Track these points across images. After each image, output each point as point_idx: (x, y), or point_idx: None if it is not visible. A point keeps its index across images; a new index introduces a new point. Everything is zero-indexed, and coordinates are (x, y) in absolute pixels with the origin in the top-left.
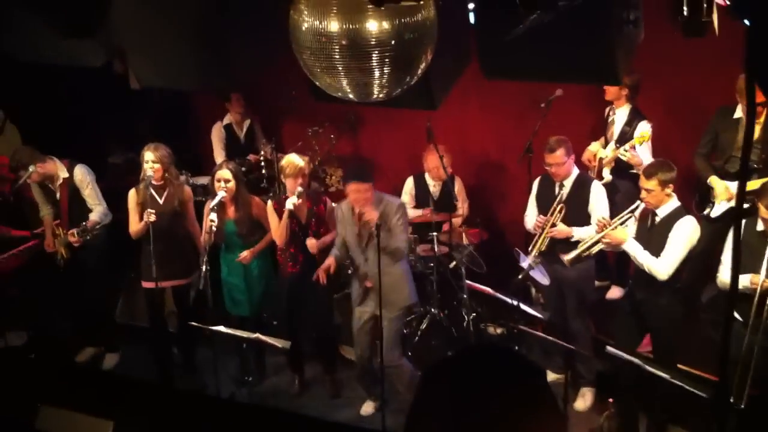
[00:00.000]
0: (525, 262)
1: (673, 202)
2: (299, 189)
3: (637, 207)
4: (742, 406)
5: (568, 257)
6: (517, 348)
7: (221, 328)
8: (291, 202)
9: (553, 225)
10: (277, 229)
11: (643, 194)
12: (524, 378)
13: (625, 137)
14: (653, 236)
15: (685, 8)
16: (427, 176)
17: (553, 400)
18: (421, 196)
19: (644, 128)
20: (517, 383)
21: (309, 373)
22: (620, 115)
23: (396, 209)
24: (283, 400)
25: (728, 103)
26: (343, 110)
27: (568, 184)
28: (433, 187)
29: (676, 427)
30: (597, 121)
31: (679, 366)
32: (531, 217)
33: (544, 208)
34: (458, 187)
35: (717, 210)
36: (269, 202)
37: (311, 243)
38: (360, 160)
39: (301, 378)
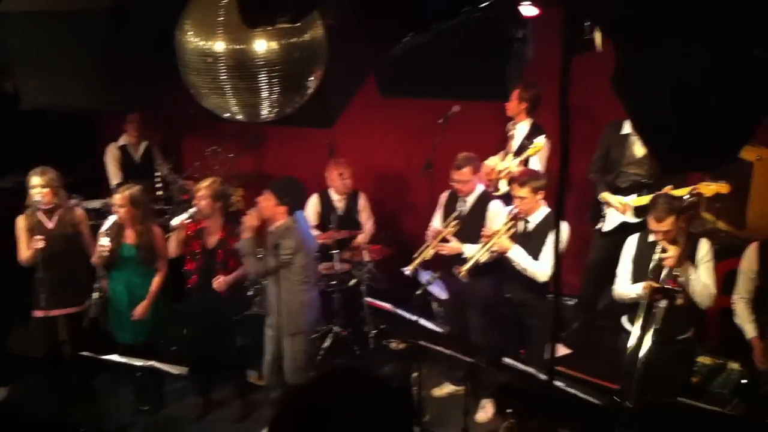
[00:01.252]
0: (424, 278)
1: (544, 209)
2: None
3: (515, 214)
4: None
5: (462, 269)
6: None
7: (114, 357)
8: (179, 220)
9: (445, 240)
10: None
11: (517, 201)
12: (381, 405)
13: (523, 151)
14: (527, 241)
15: (567, 27)
16: (331, 192)
17: (410, 424)
18: (326, 213)
19: (539, 140)
20: (374, 411)
21: (213, 396)
22: (520, 129)
23: (292, 245)
24: (182, 427)
25: (620, 118)
26: (244, 128)
27: (470, 200)
28: (338, 202)
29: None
30: (500, 135)
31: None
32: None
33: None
34: (363, 203)
35: (609, 224)
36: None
37: (218, 283)
38: (291, 179)
39: (207, 401)
